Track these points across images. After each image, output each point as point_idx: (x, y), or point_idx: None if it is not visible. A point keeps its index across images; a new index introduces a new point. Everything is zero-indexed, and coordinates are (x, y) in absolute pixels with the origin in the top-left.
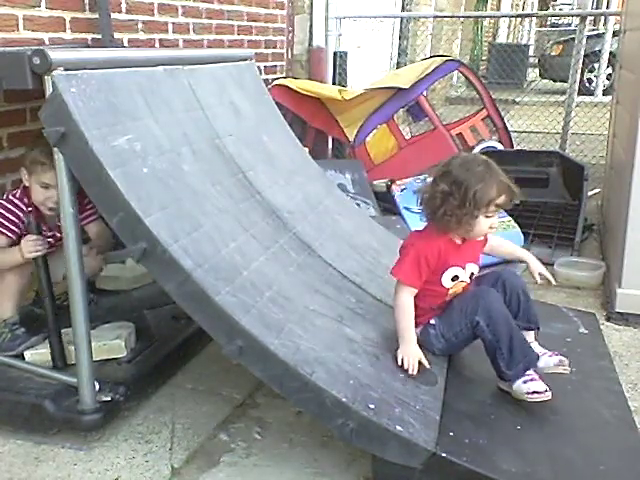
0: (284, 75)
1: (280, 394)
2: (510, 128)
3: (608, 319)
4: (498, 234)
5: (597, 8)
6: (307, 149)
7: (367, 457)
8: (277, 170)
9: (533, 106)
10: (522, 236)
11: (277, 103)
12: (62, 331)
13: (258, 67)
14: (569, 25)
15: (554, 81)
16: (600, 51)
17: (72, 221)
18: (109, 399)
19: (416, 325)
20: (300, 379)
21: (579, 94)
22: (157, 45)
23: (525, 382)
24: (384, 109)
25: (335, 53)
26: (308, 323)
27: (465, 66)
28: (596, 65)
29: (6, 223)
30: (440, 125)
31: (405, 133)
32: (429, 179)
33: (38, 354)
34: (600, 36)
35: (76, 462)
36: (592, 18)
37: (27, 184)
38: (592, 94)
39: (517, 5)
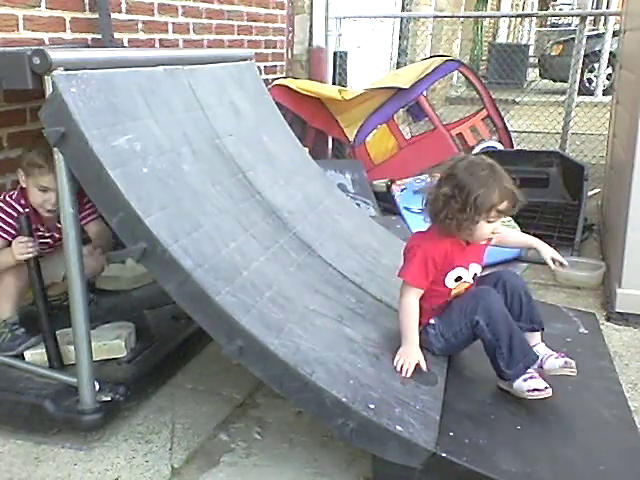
0: (284, 75)
1: (280, 394)
2: (510, 128)
3: (608, 319)
4: None
5: (597, 8)
6: (307, 149)
7: (367, 457)
8: (277, 170)
9: (533, 106)
10: None
11: (277, 103)
12: (62, 331)
13: (258, 67)
14: (569, 25)
15: (554, 81)
16: (600, 51)
17: (72, 221)
18: (109, 399)
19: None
20: (300, 379)
21: (579, 94)
22: (157, 45)
23: (525, 380)
24: (384, 109)
25: (335, 53)
26: (308, 323)
27: (465, 66)
28: (596, 65)
29: (1, 224)
30: (440, 125)
31: (405, 133)
32: (434, 179)
33: (38, 354)
34: (600, 36)
35: (76, 462)
36: (592, 18)
37: (24, 185)
38: (592, 94)
39: (517, 5)
